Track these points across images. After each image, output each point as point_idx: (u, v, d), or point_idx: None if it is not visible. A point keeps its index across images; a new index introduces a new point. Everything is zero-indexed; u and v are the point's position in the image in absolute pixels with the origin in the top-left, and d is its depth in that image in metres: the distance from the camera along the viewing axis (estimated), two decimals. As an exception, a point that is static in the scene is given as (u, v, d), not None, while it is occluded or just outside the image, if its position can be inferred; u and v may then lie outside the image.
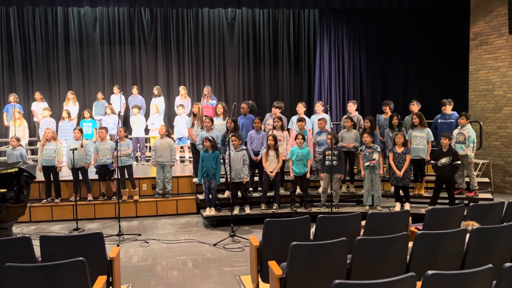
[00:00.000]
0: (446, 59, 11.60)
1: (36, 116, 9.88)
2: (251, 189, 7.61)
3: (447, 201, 6.94)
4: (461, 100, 10.02)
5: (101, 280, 3.30)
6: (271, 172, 6.95)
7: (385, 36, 11.57)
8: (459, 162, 6.81)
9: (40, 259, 3.63)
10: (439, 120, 7.91)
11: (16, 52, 11.04)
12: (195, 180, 7.86)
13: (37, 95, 10.07)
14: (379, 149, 7.04)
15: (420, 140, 7.24)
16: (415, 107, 7.90)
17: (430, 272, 2.55)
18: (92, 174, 7.73)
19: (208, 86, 9.89)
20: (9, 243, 3.65)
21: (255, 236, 4.40)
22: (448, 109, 7.84)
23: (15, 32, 11.01)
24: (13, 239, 3.78)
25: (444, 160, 6.78)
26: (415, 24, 11.58)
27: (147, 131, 9.92)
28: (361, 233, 4.32)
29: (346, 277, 3.39)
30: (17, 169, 5.69)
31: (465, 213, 4.73)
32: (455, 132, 7.37)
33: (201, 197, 7.55)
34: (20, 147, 7.49)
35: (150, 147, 9.89)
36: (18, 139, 7.51)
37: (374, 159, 6.91)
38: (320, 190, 7.48)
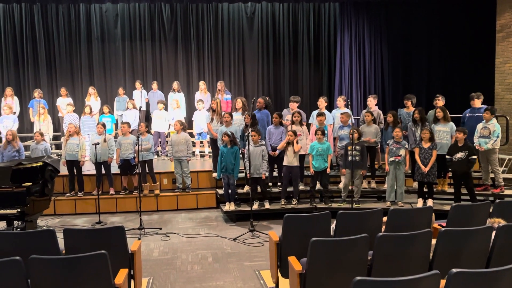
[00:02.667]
0: (471, 51, 11.29)
1: (61, 111, 10.07)
2: (270, 184, 7.59)
3: (468, 197, 6.79)
4: (487, 94, 9.73)
5: (123, 273, 3.34)
6: (290, 166, 6.90)
7: (408, 28, 11.34)
8: (474, 156, 6.64)
9: (64, 252, 3.71)
10: (468, 114, 7.71)
11: (41, 49, 11.28)
12: (214, 175, 7.89)
13: (63, 90, 10.27)
14: (406, 146, 6.92)
15: (444, 134, 7.09)
16: (440, 102, 7.71)
17: (454, 270, 2.49)
18: (114, 169, 7.85)
19: (221, 81, 9.87)
20: (34, 236, 3.73)
21: (275, 231, 4.38)
22: (476, 103, 7.61)
23: (39, 29, 11.25)
24: (38, 232, 3.85)
25: (459, 155, 6.62)
26: (439, 16, 11.30)
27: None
28: (383, 229, 4.26)
29: (367, 273, 3.35)
30: (41, 163, 5.81)
31: (491, 210, 4.61)
32: (479, 126, 7.16)
33: (220, 191, 7.58)
34: (44, 142, 7.66)
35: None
36: (42, 134, 7.69)
37: (400, 155, 6.80)
38: (341, 185, 7.41)
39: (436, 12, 11.29)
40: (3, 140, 7.86)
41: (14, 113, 9.58)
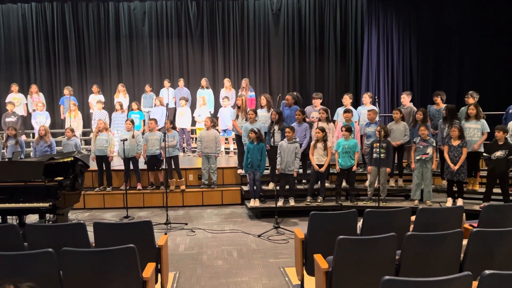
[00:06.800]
0: (504, 46, 10.89)
1: (92, 107, 10.33)
2: (295, 181, 7.56)
3: (501, 197, 6.57)
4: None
5: (150, 266, 3.39)
6: (319, 166, 6.84)
7: (438, 23, 11.04)
8: None
9: (93, 244, 3.80)
10: (511, 111, 7.44)
11: (71, 47, 11.59)
12: (240, 171, 7.92)
13: (94, 88, 10.53)
14: (434, 144, 6.76)
15: (474, 131, 6.88)
16: (470, 99, 7.48)
17: (487, 271, 2.42)
18: (142, 164, 7.98)
19: (246, 79, 9.88)
20: (66, 228, 3.85)
21: (300, 228, 4.36)
22: None
23: (70, 27, 11.55)
24: (69, 225, 3.96)
25: (498, 153, 6.41)
26: (471, 9, 10.95)
27: (193, 122, 10.10)
28: (411, 228, 4.18)
29: (395, 273, 3.29)
30: (72, 159, 5.95)
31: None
32: None
33: (245, 188, 7.60)
34: (75, 137, 7.87)
35: (196, 138, 10.07)
36: (72, 130, 7.89)
37: (428, 153, 6.64)
38: (367, 183, 7.31)
39: (468, 6, 10.95)
40: (36, 135, 8.12)
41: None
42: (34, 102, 9.91)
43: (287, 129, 6.85)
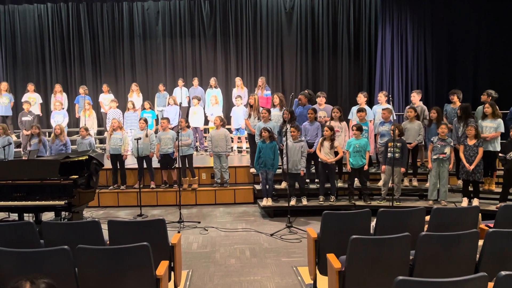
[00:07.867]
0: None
1: (103, 107, 10.43)
2: (308, 180, 7.54)
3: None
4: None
5: (164, 264, 3.42)
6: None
7: (453, 20, 10.88)
8: None
9: (108, 242, 3.84)
10: None
11: (86, 47, 11.74)
12: (252, 170, 7.93)
13: (104, 87, 10.64)
14: (452, 143, 6.66)
15: (490, 130, 6.78)
16: (485, 96, 7.36)
17: (503, 272, 2.39)
18: (155, 163, 8.04)
19: (262, 77, 9.87)
20: (81, 226, 3.90)
21: (313, 227, 4.35)
22: None
23: (85, 27, 11.70)
24: (84, 223, 4.02)
25: None
26: (487, 6, 10.76)
27: (206, 121, 10.14)
28: (425, 228, 4.13)
29: (408, 273, 3.26)
30: (87, 157, 6.02)
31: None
32: None
33: (258, 187, 7.61)
34: (89, 136, 7.97)
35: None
36: (87, 129, 8.00)
37: (445, 153, 6.55)
38: (380, 183, 7.25)
39: (484, 2, 10.76)
40: (52, 134, 8.24)
41: (63, 108, 10.03)
42: (56, 102, 10.05)
43: (291, 128, 6.80)
